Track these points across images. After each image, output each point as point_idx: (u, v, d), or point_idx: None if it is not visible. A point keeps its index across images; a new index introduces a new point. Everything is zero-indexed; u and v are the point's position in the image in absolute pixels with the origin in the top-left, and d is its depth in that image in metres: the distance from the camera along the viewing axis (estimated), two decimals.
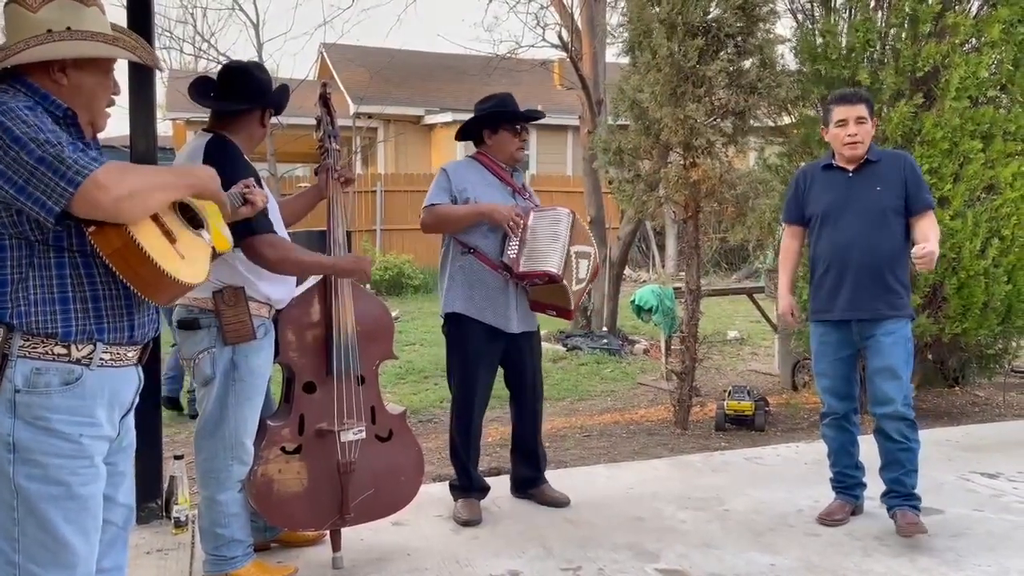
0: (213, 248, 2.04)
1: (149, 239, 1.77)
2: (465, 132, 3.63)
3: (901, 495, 3.34)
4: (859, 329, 3.38)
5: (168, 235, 1.84)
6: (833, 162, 3.48)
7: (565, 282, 3.34)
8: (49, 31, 1.80)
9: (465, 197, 3.44)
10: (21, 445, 1.75)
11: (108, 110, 1.95)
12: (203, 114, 2.81)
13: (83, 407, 1.81)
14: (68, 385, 1.78)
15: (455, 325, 3.52)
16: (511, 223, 3.37)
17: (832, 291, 3.40)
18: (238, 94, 2.72)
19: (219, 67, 2.88)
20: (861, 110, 3.37)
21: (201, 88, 2.77)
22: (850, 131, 3.35)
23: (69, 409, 1.79)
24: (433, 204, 3.45)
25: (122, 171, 1.74)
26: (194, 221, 1.99)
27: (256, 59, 13.98)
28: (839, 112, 3.39)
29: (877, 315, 3.33)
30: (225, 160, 2.52)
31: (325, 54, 18.09)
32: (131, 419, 2.02)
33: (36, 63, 1.80)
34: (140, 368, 1.98)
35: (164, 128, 17.99)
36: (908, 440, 3.31)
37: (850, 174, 3.41)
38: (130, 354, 1.91)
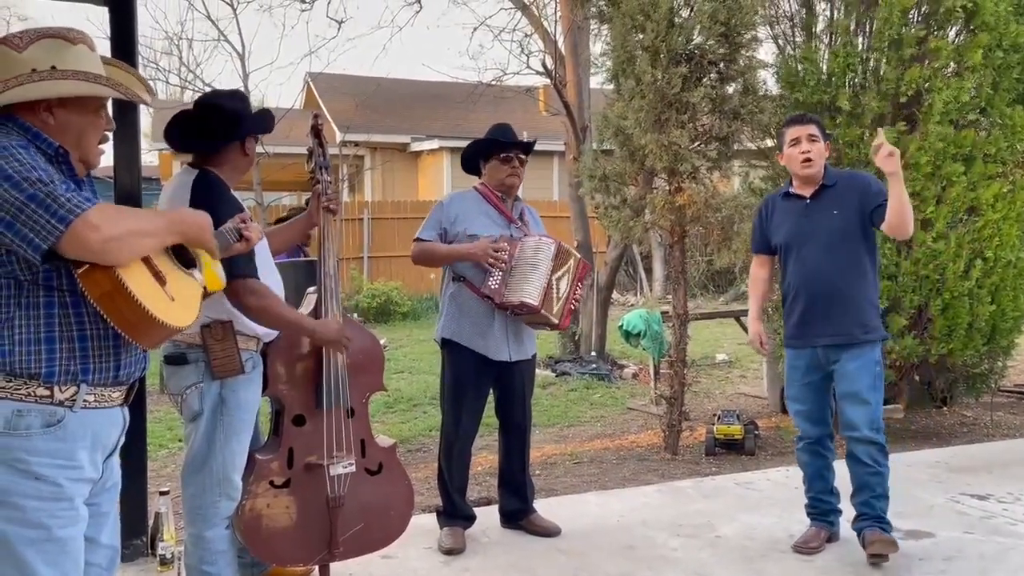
0: (205, 288, 2.02)
1: (138, 282, 1.75)
2: (466, 164, 3.73)
3: (870, 517, 3.33)
4: (825, 354, 3.39)
5: (158, 276, 1.83)
6: (791, 189, 3.51)
7: (544, 311, 3.38)
8: (33, 70, 1.80)
9: (456, 229, 3.50)
10: (1, 488, 1.74)
11: (101, 147, 1.95)
12: None
13: (64, 450, 1.79)
14: (50, 428, 1.77)
15: (447, 350, 3.57)
16: (490, 260, 3.39)
17: (802, 318, 3.42)
18: (212, 129, 2.69)
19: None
20: (812, 129, 3.42)
21: (178, 126, 2.74)
22: (803, 148, 3.38)
23: (50, 452, 1.77)
24: (420, 239, 3.55)
25: (115, 212, 1.75)
26: (186, 259, 1.97)
27: (241, 88, 14.02)
28: (792, 132, 3.44)
29: (850, 340, 3.33)
30: (212, 197, 2.51)
31: (311, 83, 18.16)
32: (116, 460, 2.00)
33: (24, 103, 1.80)
34: (125, 409, 1.96)
35: (150, 158, 17.98)
36: (877, 464, 3.31)
37: (807, 201, 3.44)
38: (115, 395, 1.89)
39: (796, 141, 3.42)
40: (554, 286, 3.42)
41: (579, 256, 3.60)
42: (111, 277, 1.72)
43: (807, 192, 3.45)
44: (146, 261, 1.81)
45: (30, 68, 1.81)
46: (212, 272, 2.06)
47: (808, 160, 3.39)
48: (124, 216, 1.78)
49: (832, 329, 3.35)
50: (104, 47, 3.04)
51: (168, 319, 1.80)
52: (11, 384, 1.74)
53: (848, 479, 3.43)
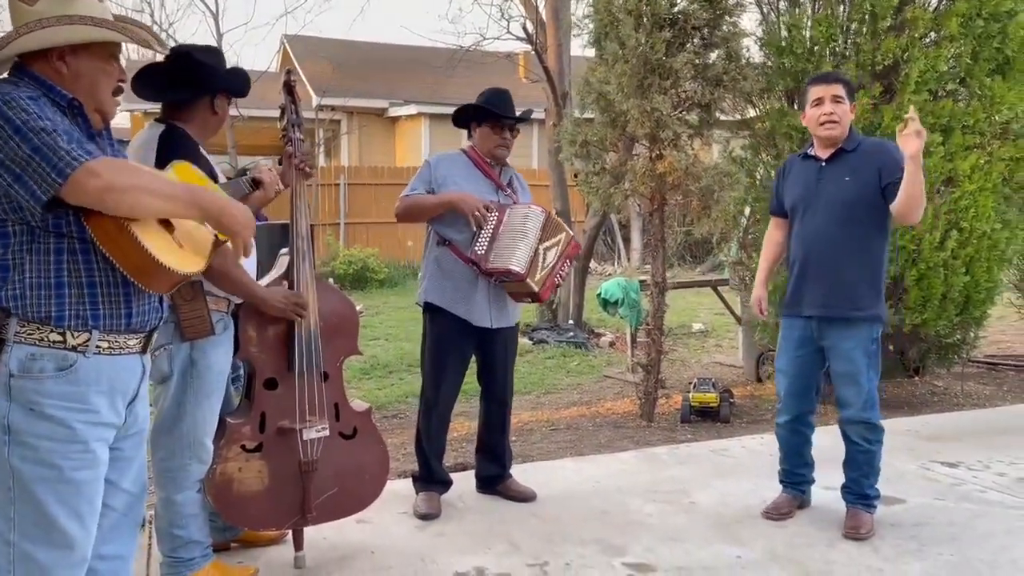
0: (217, 237, 2.02)
1: (143, 227, 1.79)
2: (458, 121, 3.66)
3: (855, 493, 3.36)
4: (818, 327, 3.29)
5: (166, 224, 1.87)
6: (810, 151, 3.36)
7: (528, 279, 3.34)
8: (41, 19, 1.82)
9: (443, 191, 3.45)
10: (15, 428, 1.78)
11: (117, 99, 1.96)
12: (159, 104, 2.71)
13: (76, 393, 1.83)
14: (62, 371, 1.81)
15: (429, 314, 3.54)
16: (476, 213, 3.34)
17: (796, 286, 3.33)
18: (180, 81, 2.61)
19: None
20: (838, 89, 3.23)
21: (147, 78, 2.66)
22: (826, 110, 3.21)
23: (62, 395, 1.81)
24: (406, 194, 3.49)
25: (122, 166, 1.78)
26: None
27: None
28: (815, 91, 3.27)
29: (837, 314, 3.22)
30: (177, 151, 2.44)
31: (287, 45, 17.87)
32: (141, 406, 2.03)
33: (37, 53, 1.84)
34: (146, 356, 1.99)
35: (122, 120, 17.62)
36: (867, 443, 3.29)
37: (822, 164, 3.28)
38: (131, 342, 1.92)
39: (819, 101, 3.23)
40: (540, 255, 3.39)
41: (571, 233, 3.56)
42: (117, 222, 1.76)
43: (825, 155, 3.28)
44: None
45: (39, 19, 1.83)
46: None
47: (830, 122, 3.21)
48: (133, 172, 1.80)
49: (819, 300, 3.24)
50: None
51: (174, 264, 1.83)
52: (25, 329, 1.79)
53: (828, 449, 3.45)
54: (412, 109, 16.87)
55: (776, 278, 4.27)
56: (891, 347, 5.76)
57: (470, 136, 3.63)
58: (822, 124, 3.23)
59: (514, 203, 3.53)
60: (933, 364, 6.14)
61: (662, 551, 3.17)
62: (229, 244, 2.25)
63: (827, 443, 3.59)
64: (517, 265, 3.32)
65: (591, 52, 5.47)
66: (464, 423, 5.09)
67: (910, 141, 2.94)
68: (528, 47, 10.09)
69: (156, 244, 1.79)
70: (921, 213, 3.13)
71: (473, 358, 3.64)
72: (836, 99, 3.22)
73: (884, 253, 3.28)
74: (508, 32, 10.93)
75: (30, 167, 1.68)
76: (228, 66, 2.79)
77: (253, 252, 2.69)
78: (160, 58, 2.64)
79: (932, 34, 5.19)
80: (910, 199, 3.04)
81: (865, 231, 3.21)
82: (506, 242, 3.37)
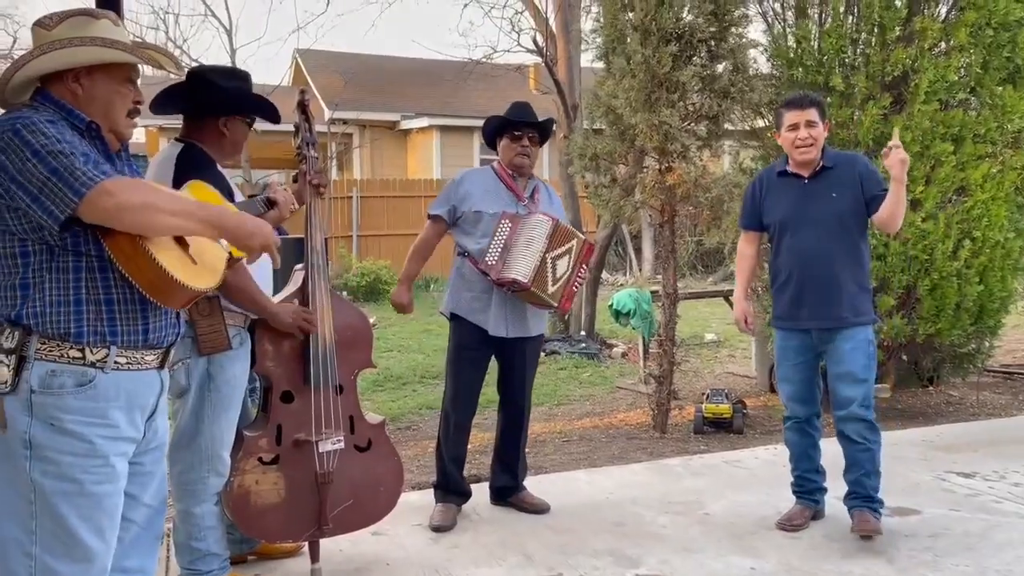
0: (231, 254, 2.06)
1: (158, 245, 1.83)
2: (488, 140, 3.77)
3: (860, 496, 3.36)
4: (819, 336, 3.38)
5: (180, 241, 1.90)
6: (787, 168, 3.45)
7: (534, 288, 3.38)
8: (55, 41, 1.87)
9: (463, 208, 3.55)
10: (36, 442, 1.81)
11: (134, 120, 2.00)
12: (175, 121, 2.76)
13: (96, 409, 1.86)
14: (82, 387, 1.84)
15: (452, 323, 3.63)
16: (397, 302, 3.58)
17: (794, 301, 3.39)
18: (191, 100, 2.67)
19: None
20: (812, 114, 3.33)
21: (168, 95, 2.70)
22: (801, 135, 3.32)
23: (82, 410, 1.84)
24: (431, 215, 3.62)
25: (133, 184, 1.82)
26: None
27: (230, 65, 13.86)
28: (790, 117, 3.36)
29: (840, 324, 3.32)
30: (193, 169, 2.49)
31: (299, 60, 18.00)
32: (161, 421, 2.06)
33: (54, 76, 1.89)
34: (164, 372, 2.03)
35: (137, 135, 17.81)
36: (868, 441, 3.32)
37: (805, 181, 3.39)
38: (148, 358, 1.95)
39: (794, 127, 3.34)
40: (548, 264, 3.42)
41: (583, 237, 3.60)
42: (132, 240, 1.80)
43: (805, 172, 3.39)
44: None
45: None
46: None
47: (806, 147, 3.33)
48: (146, 191, 1.83)
49: (823, 313, 3.33)
50: None
51: (189, 281, 1.86)
52: (45, 346, 1.82)
53: (836, 457, 3.46)
54: (424, 122, 16.95)
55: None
56: (905, 357, 5.75)
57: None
58: (797, 148, 3.36)
59: (530, 213, 3.57)
60: (948, 374, 6.11)
61: (676, 562, 3.17)
62: (244, 260, 2.29)
63: (838, 452, 3.58)
64: (521, 275, 3.36)
65: (601, 64, 5.51)
66: (478, 434, 5.10)
67: (897, 167, 3.13)
68: (538, 59, 10.14)
69: (170, 261, 1.83)
70: (900, 224, 3.36)
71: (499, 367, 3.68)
72: (810, 124, 3.34)
73: (868, 256, 3.46)
74: (518, 45, 10.99)
75: (47, 188, 1.73)
76: (249, 88, 2.80)
77: (268, 265, 2.74)
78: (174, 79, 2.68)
79: (942, 44, 5.19)
80: (893, 217, 3.26)
81: (854, 240, 3.36)
82: (516, 253, 3.42)
